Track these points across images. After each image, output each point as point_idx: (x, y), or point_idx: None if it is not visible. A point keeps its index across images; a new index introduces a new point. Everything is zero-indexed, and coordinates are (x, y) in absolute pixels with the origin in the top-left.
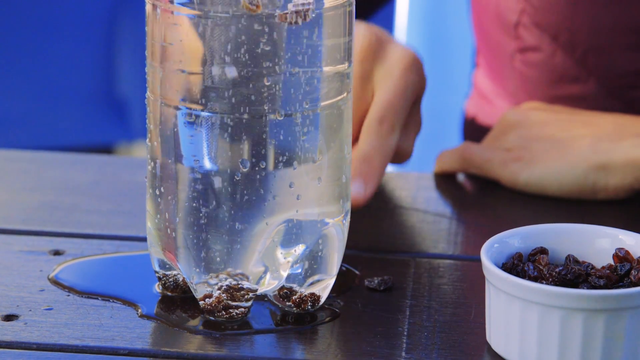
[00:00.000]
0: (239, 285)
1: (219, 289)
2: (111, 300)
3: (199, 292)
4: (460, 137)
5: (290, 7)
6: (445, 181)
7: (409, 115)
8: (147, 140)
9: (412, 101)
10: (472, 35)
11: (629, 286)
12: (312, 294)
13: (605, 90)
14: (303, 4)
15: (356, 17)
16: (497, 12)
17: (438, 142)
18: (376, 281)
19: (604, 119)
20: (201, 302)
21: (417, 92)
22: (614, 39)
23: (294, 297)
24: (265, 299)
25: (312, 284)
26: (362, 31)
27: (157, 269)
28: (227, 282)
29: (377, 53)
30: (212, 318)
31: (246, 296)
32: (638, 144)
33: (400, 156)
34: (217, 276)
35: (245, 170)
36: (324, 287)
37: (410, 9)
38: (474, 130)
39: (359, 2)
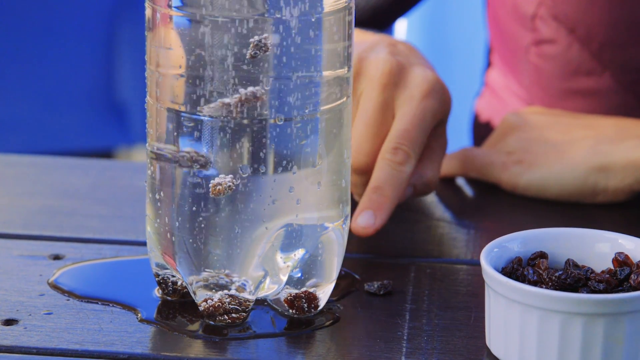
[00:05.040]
0: (238, 297)
1: (217, 291)
2: (111, 305)
3: (199, 296)
4: (469, 135)
5: (241, 95)
6: (445, 185)
7: (434, 139)
8: (147, 144)
9: (431, 127)
10: (481, 34)
11: (628, 290)
12: (306, 292)
13: (619, 85)
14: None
15: (373, 28)
16: (514, 4)
17: None
18: (376, 285)
19: (605, 121)
20: (203, 304)
21: (439, 116)
22: (631, 33)
23: (287, 297)
24: (265, 303)
25: (311, 287)
26: (383, 56)
27: (156, 273)
28: (226, 292)
29: (398, 80)
30: (212, 322)
31: (245, 302)
32: (638, 145)
33: (427, 187)
34: (216, 278)
35: (245, 175)
36: (323, 292)
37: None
38: (484, 129)
39: (374, 14)
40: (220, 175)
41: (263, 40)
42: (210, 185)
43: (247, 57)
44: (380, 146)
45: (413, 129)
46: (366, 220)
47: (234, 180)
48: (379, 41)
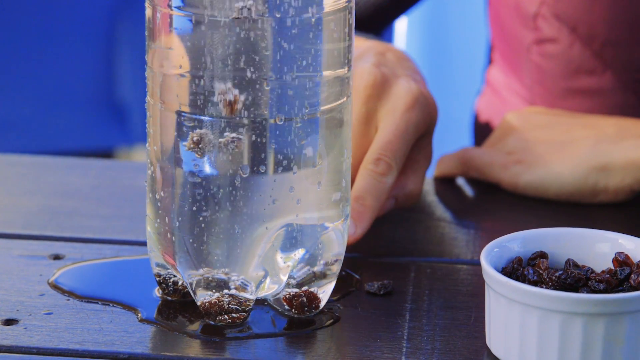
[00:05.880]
0: (238, 297)
1: (217, 291)
2: (111, 305)
3: (199, 295)
4: (470, 134)
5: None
6: (445, 185)
7: (418, 150)
8: (147, 144)
9: (414, 140)
10: (482, 32)
11: (628, 290)
12: (306, 291)
13: (621, 84)
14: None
15: (373, 26)
16: (516, 3)
17: (437, 147)
18: (376, 285)
19: (605, 121)
20: (201, 299)
21: (422, 128)
22: (633, 32)
23: (286, 296)
24: (265, 303)
25: (311, 287)
26: (367, 67)
27: (157, 273)
28: (226, 291)
29: (382, 91)
30: (212, 322)
31: (245, 302)
32: (638, 145)
33: (409, 199)
34: (216, 278)
35: (245, 175)
36: (323, 292)
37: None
38: (485, 128)
39: (374, 12)
40: (220, 89)
41: (248, 5)
42: (221, 103)
43: (230, 18)
44: (361, 158)
45: (395, 140)
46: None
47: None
48: (368, 50)
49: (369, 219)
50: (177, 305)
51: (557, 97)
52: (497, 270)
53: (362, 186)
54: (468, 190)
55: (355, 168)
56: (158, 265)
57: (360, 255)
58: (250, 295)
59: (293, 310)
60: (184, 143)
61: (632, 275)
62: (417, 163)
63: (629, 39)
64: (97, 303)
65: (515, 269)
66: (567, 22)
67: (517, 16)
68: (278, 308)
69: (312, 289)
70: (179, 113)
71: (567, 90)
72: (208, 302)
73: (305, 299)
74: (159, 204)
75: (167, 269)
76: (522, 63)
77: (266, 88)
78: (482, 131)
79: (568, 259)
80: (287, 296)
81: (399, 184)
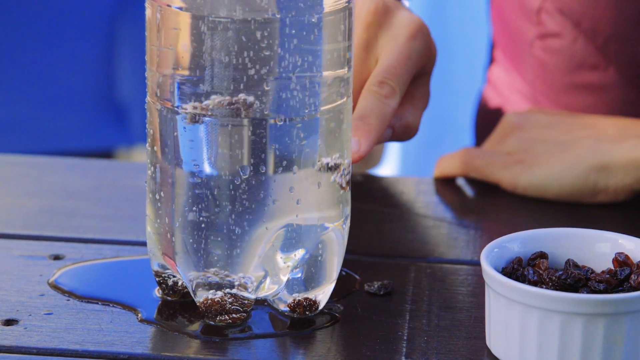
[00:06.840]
0: (240, 297)
1: (218, 290)
2: (111, 305)
3: (199, 296)
4: (472, 133)
5: None
6: (445, 185)
7: (416, 87)
8: (147, 144)
9: (416, 68)
10: (482, 31)
11: (628, 291)
12: (307, 298)
13: (623, 79)
14: None
15: None
16: None
17: (437, 147)
18: (376, 286)
19: (606, 121)
20: (201, 299)
21: (424, 60)
22: (637, 28)
23: (288, 301)
24: (265, 303)
25: (312, 292)
26: None
27: (157, 273)
28: (228, 290)
29: (383, 19)
30: (212, 323)
31: (246, 302)
32: (638, 145)
33: (406, 131)
34: (216, 279)
35: (245, 175)
36: (323, 292)
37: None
38: (486, 127)
39: None
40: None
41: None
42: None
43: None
44: (360, 86)
45: (399, 66)
46: (352, 147)
47: None
48: None
49: (373, 138)
50: (177, 305)
51: (559, 92)
52: (497, 271)
53: (366, 106)
54: (468, 190)
55: (355, 94)
56: (158, 265)
57: (360, 256)
58: (250, 295)
59: (294, 314)
60: (183, 106)
61: (632, 276)
62: (415, 99)
63: (633, 34)
64: (97, 303)
65: (515, 269)
66: (571, 16)
67: (521, 11)
68: (278, 308)
69: (311, 297)
70: (179, 113)
71: (569, 86)
72: (210, 300)
73: (306, 307)
74: (159, 204)
75: (167, 269)
76: (524, 58)
77: (266, 88)
78: (483, 131)
79: (568, 259)
80: (291, 303)
81: (396, 115)
